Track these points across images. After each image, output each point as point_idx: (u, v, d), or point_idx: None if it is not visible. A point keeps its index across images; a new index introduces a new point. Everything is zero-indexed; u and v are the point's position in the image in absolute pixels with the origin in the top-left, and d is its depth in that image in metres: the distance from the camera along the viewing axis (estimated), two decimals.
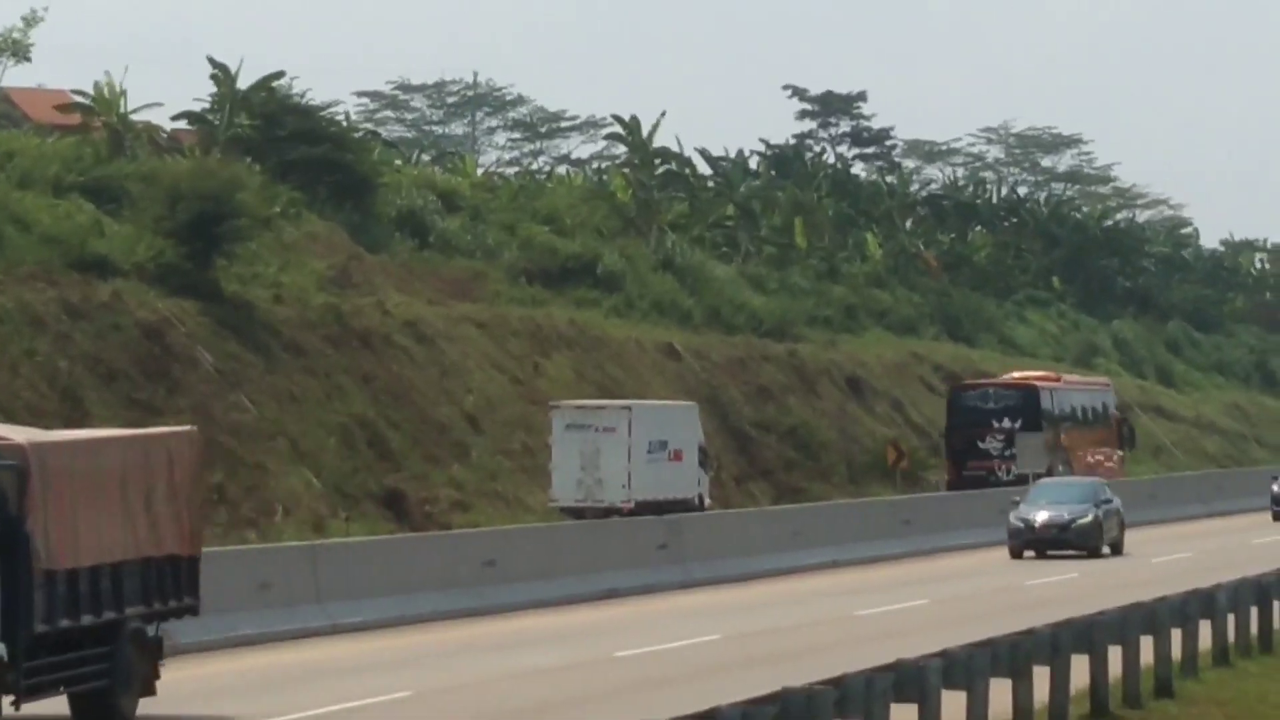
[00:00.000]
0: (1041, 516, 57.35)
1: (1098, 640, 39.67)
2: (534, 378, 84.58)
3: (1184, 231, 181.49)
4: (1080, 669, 35.65)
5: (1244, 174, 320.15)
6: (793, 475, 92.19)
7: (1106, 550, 57.59)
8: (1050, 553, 57.93)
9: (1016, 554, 56.72)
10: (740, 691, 29.03)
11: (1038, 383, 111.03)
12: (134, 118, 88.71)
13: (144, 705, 35.94)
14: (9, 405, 61.82)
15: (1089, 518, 56.43)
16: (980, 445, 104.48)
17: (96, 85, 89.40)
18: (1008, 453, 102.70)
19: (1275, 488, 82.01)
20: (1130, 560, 57.63)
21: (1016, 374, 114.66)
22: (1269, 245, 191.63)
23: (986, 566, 68.67)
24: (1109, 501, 58.44)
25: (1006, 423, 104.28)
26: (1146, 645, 41.69)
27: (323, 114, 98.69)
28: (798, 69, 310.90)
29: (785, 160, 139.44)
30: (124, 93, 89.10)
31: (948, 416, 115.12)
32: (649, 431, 76.22)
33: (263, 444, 69.85)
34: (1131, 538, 68.39)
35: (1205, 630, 45.11)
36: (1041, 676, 35.73)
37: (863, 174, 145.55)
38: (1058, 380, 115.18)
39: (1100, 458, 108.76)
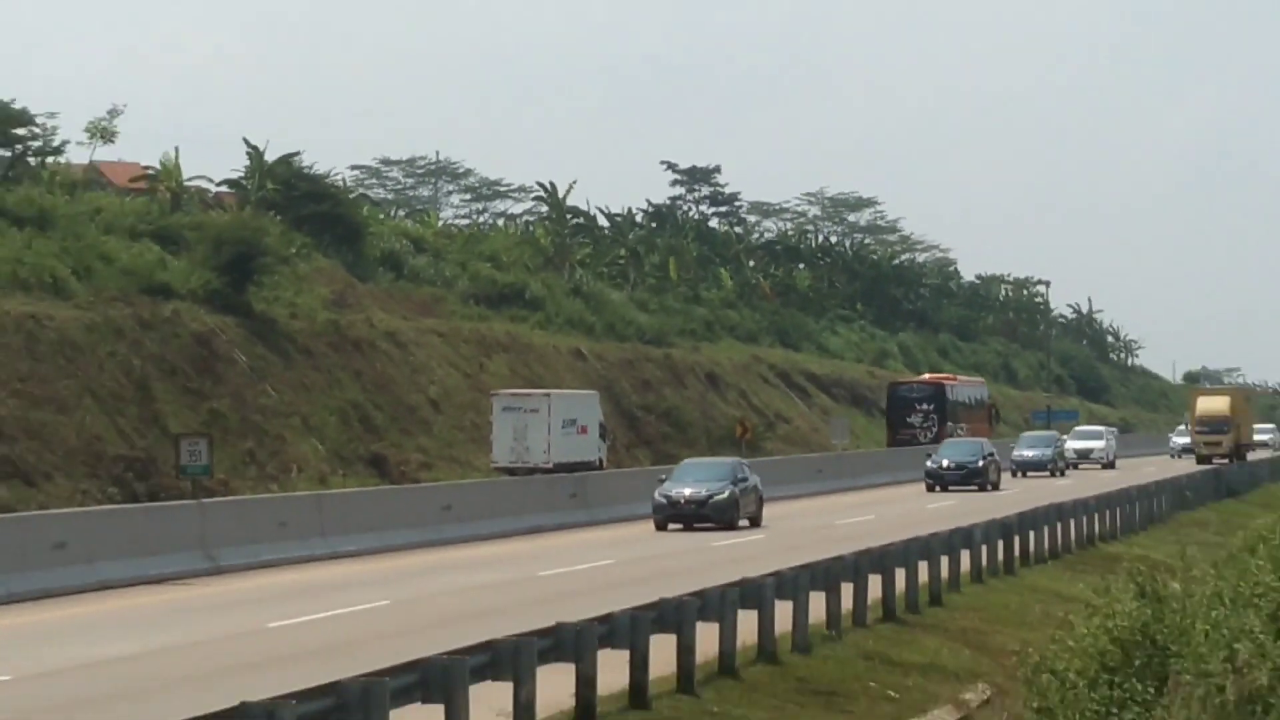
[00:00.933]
0: (684, 492, 51.97)
1: (889, 564, 40.11)
2: (479, 374, 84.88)
3: (950, 268, 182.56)
4: (875, 586, 36.47)
5: (994, 225, 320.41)
6: (667, 444, 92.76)
7: (745, 523, 52.76)
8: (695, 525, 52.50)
9: (661, 526, 51.81)
10: (629, 601, 28.98)
11: (943, 381, 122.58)
12: (188, 183, 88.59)
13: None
14: (99, 391, 61.99)
15: (725, 494, 51.36)
16: (908, 420, 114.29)
17: (163, 161, 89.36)
18: (924, 424, 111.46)
19: (929, 463, 77.57)
20: (795, 525, 53.84)
21: (928, 375, 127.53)
22: (1010, 278, 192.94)
23: (897, 498, 69.59)
24: (745, 480, 53.39)
25: (924, 406, 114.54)
26: (923, 568, 42.10)
27: (326, 180, 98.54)
28: (671, 146, 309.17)
29: (662, 215, 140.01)
30: (179, 166, 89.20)
31: (887, 401, 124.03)
32: (563, 412, 76.60)
33: (282, 420, 70.03)
34: (818, 504, 67.51)
35: (965, 557, 45.78)
36: (848, 592, 35.89)
37: (718, 226, 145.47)
38: (954, 379, 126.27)
39: (979, 428, 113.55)
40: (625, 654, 26.70)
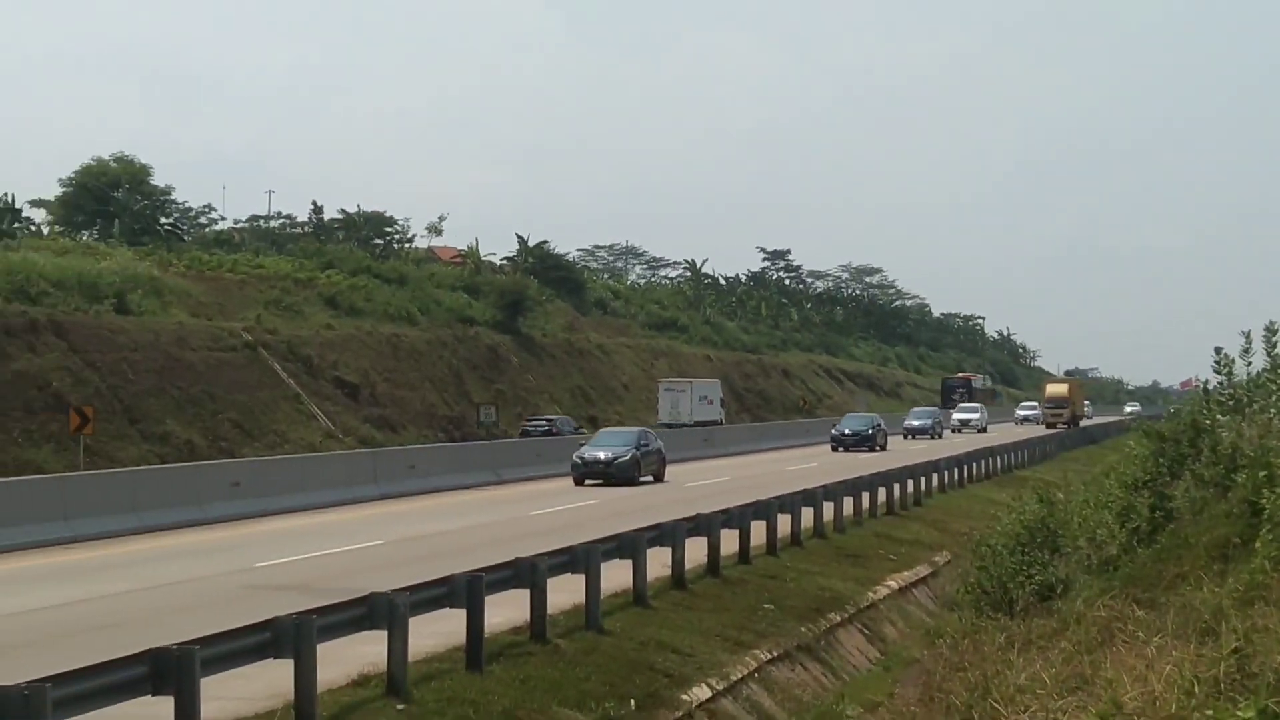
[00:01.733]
0: (595, 454, 44.18)
1: (890, 480, 39.88)
2: (650, 369, 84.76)
3: (925, 308, 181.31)
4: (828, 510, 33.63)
5: (953, 279, 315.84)
6: (758, 411, 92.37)
7: (649, 479, 45.04)
8: (597, 483, 43.57)
9: (579, 482, 43.59)
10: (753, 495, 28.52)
11: (969, 376, 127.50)
12: (484, 258, 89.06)
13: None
14: (433, 378, 62.61)
15: (628, 456, 43.85)
16: (952, 398, 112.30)
17: (470, 246, 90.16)
18: (960, 400, 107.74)
19: (834, 430, 68.38)
20: (689, 481, 45.00)
21: (960, 374, 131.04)
22: (961, 314, 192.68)
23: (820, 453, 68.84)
24: (647, 445, 45.98)
25: (960, 390, 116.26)
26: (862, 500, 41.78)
27: (563, 257, 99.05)
28: (762, 235, 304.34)
29: (756, 277, 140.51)
30: (478, 249, 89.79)
31: (942, 387, 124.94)
32: (699, 391, 76.75)
33: (537, 396, 70.23)
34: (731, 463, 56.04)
35: (935, 478, 45.46)
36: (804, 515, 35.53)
37: (789, 283, 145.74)
38: (974, 376, 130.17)
39: (987, 402, 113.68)
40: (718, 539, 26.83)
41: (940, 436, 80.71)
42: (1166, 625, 9.50)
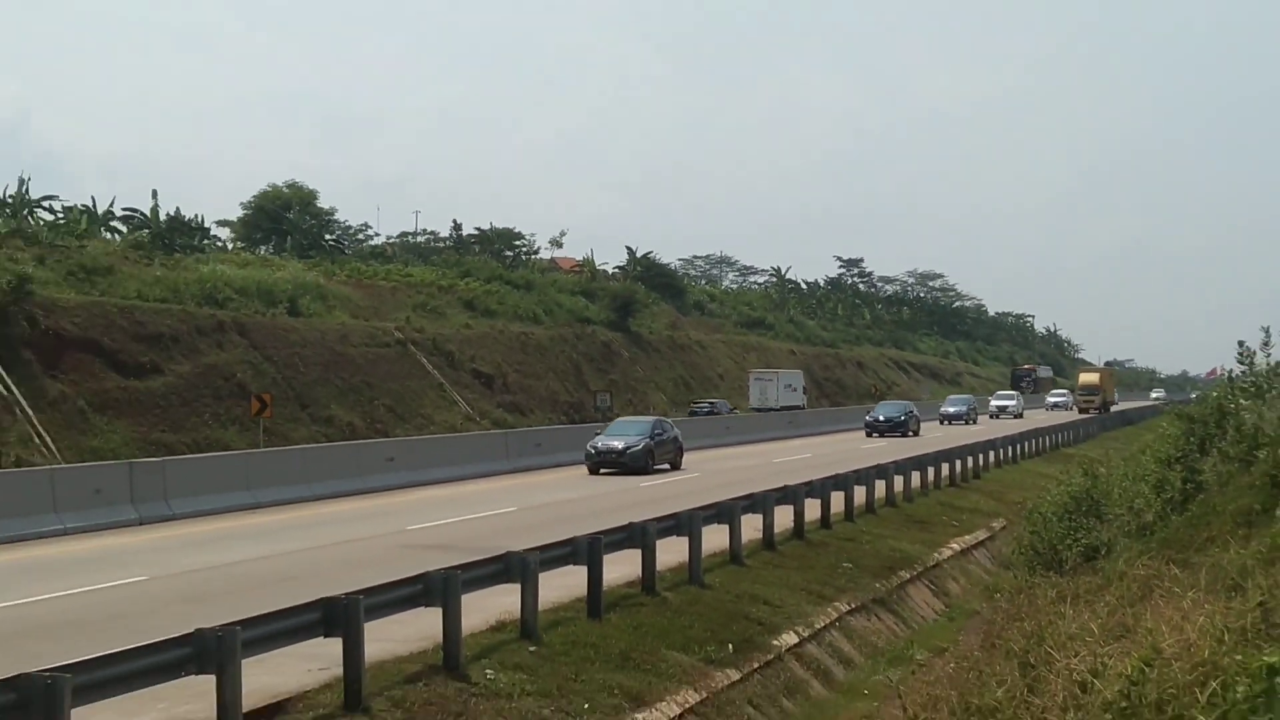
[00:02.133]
0: (609, 444, 38.28)
1: (953, 457, 39.51)
2: (742, 361, 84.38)
3: (982, 307, 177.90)
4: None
5: (1006, 281, 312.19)
6: (836, 398, 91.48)
7: (665, 466, 39.43)
8: (610, 471, 38.12)
9: (594, 470, 37.93)
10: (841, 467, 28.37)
11: (1034, 367, 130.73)
12: (599, 267, 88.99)
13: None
14: (555, 369, 62.80)
15: (640, 446, 37.92)
16: (1020, 385, 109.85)
17: (586, 256, 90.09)
18: (1028, 388, 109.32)
19: (868, 416, 62.95)
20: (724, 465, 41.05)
21: (1026, 365, 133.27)
22: (1014, 313, 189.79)
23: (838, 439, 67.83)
24: (661, 434, 39.82)
25: (1028, 378, 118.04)
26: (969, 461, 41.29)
27: (666, 266, 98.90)
28: (839, 245, 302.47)
29: (834, 283, 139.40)
30: (593, 259, 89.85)
31: (1011, 376, 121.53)
32: (784, 380, 76.39)
33: (644, 385, 70.08)
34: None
35: (991, 455, 44.99)
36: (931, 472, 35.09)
37: (862, 288, 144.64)
38: (1036, 367, 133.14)
39: (1048, 388, 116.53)
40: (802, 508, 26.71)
41: (975, 422, 74.83)
42: (1199, 582, 9.35)
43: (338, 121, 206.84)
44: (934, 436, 56.48)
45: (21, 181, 58.49)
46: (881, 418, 61.48)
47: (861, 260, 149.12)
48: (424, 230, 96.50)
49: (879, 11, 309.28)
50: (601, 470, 37.70)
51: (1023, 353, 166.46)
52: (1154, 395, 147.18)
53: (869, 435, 59.55)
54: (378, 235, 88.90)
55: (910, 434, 59.46)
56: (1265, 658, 5.70)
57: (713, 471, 39.21)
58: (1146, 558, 13.98)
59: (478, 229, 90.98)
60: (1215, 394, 25.31)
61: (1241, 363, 23.34)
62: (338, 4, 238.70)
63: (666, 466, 39.55)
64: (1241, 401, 21.60)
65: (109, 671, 10.14)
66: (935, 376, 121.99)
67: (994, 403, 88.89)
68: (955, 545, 29.78)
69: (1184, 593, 8.59)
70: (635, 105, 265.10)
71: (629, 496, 30.66)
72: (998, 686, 7.40)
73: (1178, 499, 20.56)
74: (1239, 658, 6.24)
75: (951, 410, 77.16)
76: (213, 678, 10.68)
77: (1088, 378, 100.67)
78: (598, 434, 39.89)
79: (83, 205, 59.91)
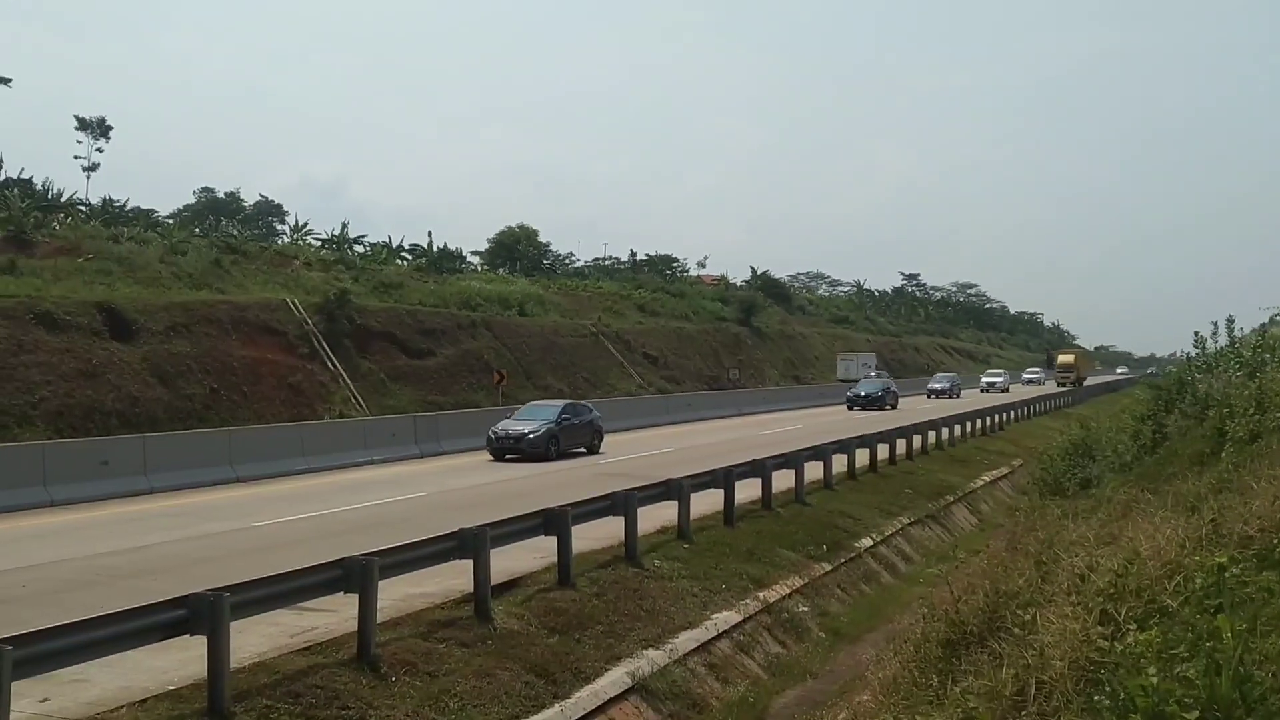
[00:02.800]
0: (508, 429, 26.06)
1: (984, 415, 38.51)
2: (833, 345, 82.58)
3: (1004, 308, 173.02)
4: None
5: (1023, 286, 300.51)
6: (899, 375, 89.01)
7: (582, 450, 27.00)
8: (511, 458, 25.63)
9: (498, 456, 25.74)
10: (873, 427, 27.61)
11: (1074, 355, 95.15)
12: (731, 281, 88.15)
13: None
14: (700, 351, 62.54)
15: (541, 432, 25.70)
16: (1054, 365, 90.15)
17: (723, 273, 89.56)
18: (1067, 373, 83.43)
19: (849, 393, 49.93)
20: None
21: (1062, 355, 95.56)
22: (1028, 311, 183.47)
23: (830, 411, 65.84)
24: (571, 419, 27.08)
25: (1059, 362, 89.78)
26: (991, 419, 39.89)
27: (779, 280, 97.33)
28: (902, 262, 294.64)
29: (899, 291, 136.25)
30: (727, 277, 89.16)
31: (1046, 356, 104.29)
32: (863, 360, 74.10)
33: (763, 363, 68.66)
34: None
35: (1011, 414, 43.53)
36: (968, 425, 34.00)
37: (919, 295, 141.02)
38: (1074, 352, 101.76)
39: (1084, 369, 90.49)
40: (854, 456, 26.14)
41: (959, 397, 60.17)
42: (1166, 505, 9.04)
43: (549, 182, 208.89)
44: (924, 407, 46.74)
45: (343, 226, 60.79)
46: (862, 393, 49.44)
47: (918, 275, 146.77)
48: (610, 256, 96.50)
49: (931, 101, 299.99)
50: (507, 457, 25.83)
51: (1034, 340, 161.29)
52: (1119, 371, 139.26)
53: (850, 409, 47.44)
54: (578, 260, 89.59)
55: (888, 408, 47.33)
56: (1216, 558, 5.57)
57: (814, 425, 37.21)
58: (1127, 487, 13.56)
59: (647, 255, 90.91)
60: (1175, 370, 24.82)
61: (1196, 347, 22.95)
62: (543, 98, 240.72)
63: (583, 450, 27.35)
64: (1196, 375, 21.28)
65: (405, 556, 10.54)
66: (971, 357, 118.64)
67: (983, 379, 75.09)
68: (986, 477, 29.11)
69: (1155, 512, 8.32)
70: (752, 167, 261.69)
71: (751, 441, 29.53)
72: (1019, 577, 7.26)
73: (1149, 444, 20.04)
74: (1197, 558, 6.06)
75: (937, 387, 63.06)
76: (469, 562, 11.01)
77: (1064, 358, 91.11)
78: (507, 417, 27.67)
79: (382, 242, 61.46)
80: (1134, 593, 5.77)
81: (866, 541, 18.70)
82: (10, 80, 51.20)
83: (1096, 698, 4.75)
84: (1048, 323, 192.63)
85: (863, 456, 24.65)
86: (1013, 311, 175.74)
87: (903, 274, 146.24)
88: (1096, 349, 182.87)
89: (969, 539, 21.68)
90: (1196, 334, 22.82)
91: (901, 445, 27.71)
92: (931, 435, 30.89)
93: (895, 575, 18.29)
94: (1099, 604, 5.69)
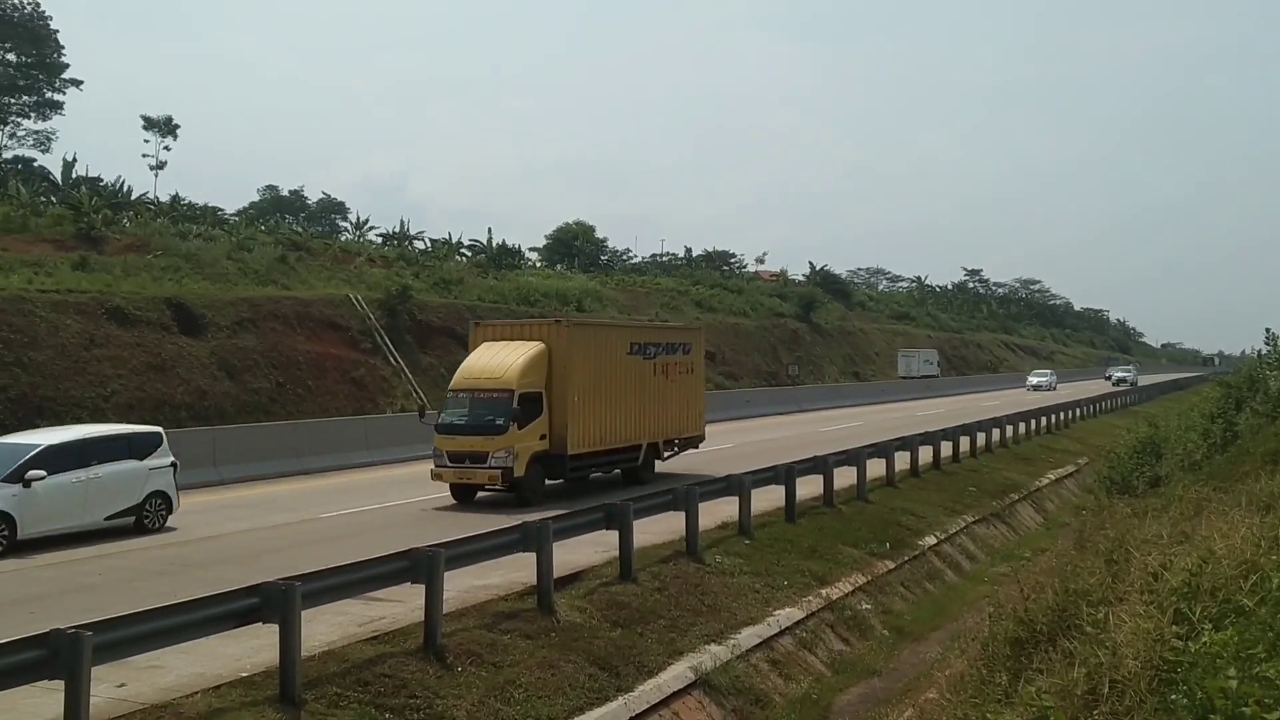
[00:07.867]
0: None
1: (1049, 413, 37.88)
2: (893, 341, 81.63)
3: (1068, 304, 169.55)
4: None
5: (1090, 285, 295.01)
6: (958, 370, 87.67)
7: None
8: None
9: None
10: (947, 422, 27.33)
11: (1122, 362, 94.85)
12: (790, 277, 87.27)
13: None
14: (758, 347, 62.18)
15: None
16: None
17: (781, 269, 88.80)
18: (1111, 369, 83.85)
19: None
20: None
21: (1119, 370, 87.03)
22: (1093, 308, 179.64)
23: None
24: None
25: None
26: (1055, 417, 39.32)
27: (838, 275, 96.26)
28: (964, 258, 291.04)
29: (960, 287, 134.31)
30: (785, 272, 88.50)
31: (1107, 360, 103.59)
32: (923, 355, 73.63)
33: (821, 359, 68.10)
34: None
35: (1077, 411, 42.85)
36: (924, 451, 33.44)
37: (982, 291, 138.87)
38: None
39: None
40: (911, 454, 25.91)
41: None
42: (1239, 503, 8.88)
43: (607, 179, 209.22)
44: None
45: (403, 223, 61.61)
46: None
47: (980, 270, 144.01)
48: (667, 252, 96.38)
49: (989, 97, 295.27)
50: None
51: (1100, 338, 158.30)
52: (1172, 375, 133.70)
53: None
54: (635, 256, 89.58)
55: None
56: None
57: (874, 421, 37.47)
58: (1198, 485, 13.32)
59: (704, 250, 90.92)
60: (1247, 367, 24.24)
61: (1268, 344, 22.37)
62: (597, 97, 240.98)
63: None
64: (1268, 372, 20.74)
65: (470, 548, 10.67)
66: (1035, 354, 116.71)
67: (1029, 380, 71.79)
68: (1051, 475, 28.71)
69: (1228, 511, 8.16)
70: (809, 163, 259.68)
71: (812, 438, 29.42)
72: (1089, 575, 7.17)
73: (1219, 443, 19.63)
74: (1274, 558, 5.95)
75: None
76: (533, 555, 11.13)
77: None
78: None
79: (442, 239, 62.07)
80: (1209, 592, 5.69)
81: (930, 539, 18.54)
82: (82, 82, 52.67)
83: (1173, 697, 4.69)
84: (1113, 319, 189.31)
85: (925, 454, 24.40)
86: (1077, 308, 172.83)
87: (964, 269, 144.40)
88: (1163, 346, 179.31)
89: (1034, 537, 21.41)
90: (1268, 330, 22.27)
91: (965, 443, 27.36)
92: (995, 433, 30.47)
93: (959, 573, 18.11)
94: (1173, 603, 5.62)
